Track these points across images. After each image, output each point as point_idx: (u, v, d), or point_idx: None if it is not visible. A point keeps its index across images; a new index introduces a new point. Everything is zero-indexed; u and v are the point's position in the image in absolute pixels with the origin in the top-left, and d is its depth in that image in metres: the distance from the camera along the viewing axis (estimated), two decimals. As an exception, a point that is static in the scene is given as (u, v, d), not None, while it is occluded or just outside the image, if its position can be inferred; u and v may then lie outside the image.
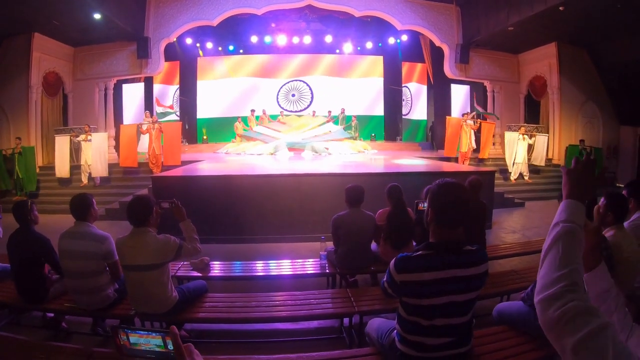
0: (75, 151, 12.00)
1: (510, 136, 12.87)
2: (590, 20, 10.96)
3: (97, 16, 10.74)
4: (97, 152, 11.54)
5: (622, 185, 3.51)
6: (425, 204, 2.07)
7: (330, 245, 4.67)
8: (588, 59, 13.81)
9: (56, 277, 3.83)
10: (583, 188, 1.37)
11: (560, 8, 10.07)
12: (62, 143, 11.58)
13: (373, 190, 5.29)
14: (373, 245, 4.71)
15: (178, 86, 17.26)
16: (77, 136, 11.76)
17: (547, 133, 13.69)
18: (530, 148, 12.99)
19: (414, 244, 4.43)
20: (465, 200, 1.97)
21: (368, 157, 13.39)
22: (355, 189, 4.44)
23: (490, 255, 5.11)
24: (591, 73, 13.83)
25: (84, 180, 11.65)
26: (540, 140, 13.04)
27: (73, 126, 12.44)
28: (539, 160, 12.96)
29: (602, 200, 2.96)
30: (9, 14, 10.25)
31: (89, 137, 11.66)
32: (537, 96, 14.85)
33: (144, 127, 12.16)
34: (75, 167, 11.86)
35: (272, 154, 13.73)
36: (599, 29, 11.87)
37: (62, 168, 11.56)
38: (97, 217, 3.65)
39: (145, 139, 12.48)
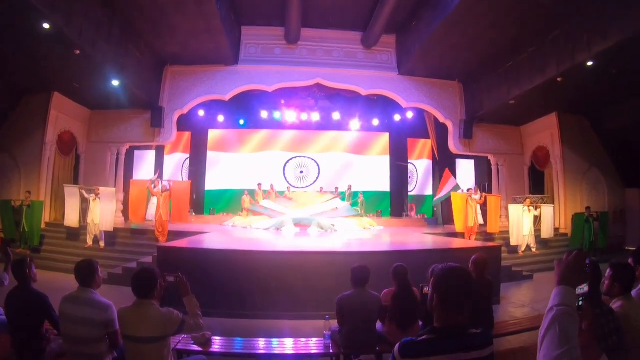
0: (83, 210, 12.04)
1: (514, 209, 12.79)
2: (588, 88, 11.38)
3: (115, 83, 11.27)
4: (104, 208, 11.58)
5: (631, 249, 3.49)
6: (429, 288, 2.09)
7: (334, 324, 4.59)
8: (589, 126, 14.18)
9: (54, 337, 3.77)
10: (573, 276, 1.56)
11: (559, 79, 10.47)
12: (71, 193, 11.74)
13: (379, 269, 5.26)
14: (378, 325, 4.61)
15: (188, 156, 17.67)
16: (88, 192, 11.85)
17: (553, 203, 13.68)
18: (537, 219, 12.88)
19: (420, 324, 4.37)
20: (469, 284, 2.00)
21: (374, 234, 13.35)
22: (361, 269, 4.43)
23: (499, 333, 5.12)
24: (593, 139, 14.13)
25: (89, 242, 11.54)
26: (546, 211, 12.97)
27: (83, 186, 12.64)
28: (547, 232, 12.83)
29: (607, 272, 2.99)
30: (33, 71, 10.86)
31: (97, 197, 11.74)
32: (541, 166, 15.04)
33: (154, 189, 12.24)
34: (82, 228, 11.83)
35: (278, 229, 13.69)
36: (597, 96, 12.29)
37: (71, 217, 11.60)
38: (100, 284, 3.64)
39: (152, 204, 12.56)
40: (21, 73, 10.94)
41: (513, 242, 12.48)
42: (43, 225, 11.75)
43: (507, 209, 13.75)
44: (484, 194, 13.62)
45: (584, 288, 1.68)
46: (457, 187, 13.96)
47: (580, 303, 1.67)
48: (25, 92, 12.20)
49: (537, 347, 1.45)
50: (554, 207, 13.45)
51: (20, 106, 12.35)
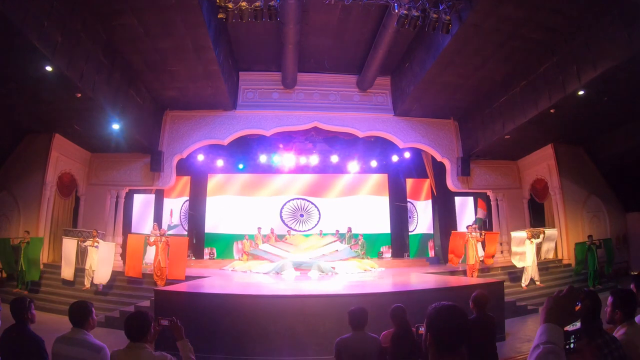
0: (81, 254, 11.95)
1: (515, 235, 12.83)
2: (581, 117, 11.52)
3: (115, 126, 11.42)
4: (102, 260, 11.48)
5: (635, 273, 3.51)
6: (424, 328, 2.06)
7: None
8: (585, 154, 14.29)
9: None
10: (562, 314, 1.55)
11: (552, 111, 10.65)
12: (69, 246, 11.62)
13: (379, 310, 5.31)
14: None
15: (187, 199, 17.71)
16: (85, 241, 11.84)
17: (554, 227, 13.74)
18: (539, 249, 12.82)
19: None
20: (464, 323, 1.95)
21: (375, 276, 13.28)
22: (358, 311, 4.41)
23: None
24: (590, 168, 14.22)
25: (87, 284, 11.45)
26: (550, 232, 13.02)
27: (82, 229, 12.69)
28: (548, 253, 12.88)
29: (609, 299, 2.98)
30: (35, 112, 11.04)
31: (95, 244, 11.70)
32: (540, 199, 15.07)
33: (152, 239, 12.20)
34: (79, 270, 11.73)
35: (278, 273, 13.58)
36: (591, 125, 12.44)
37: (67, 270, 11.46)
38: (94, 325, 3.62)
39: (151, 250, 12.50)
40: (23, 113, 11.12)
41: (517, 263, 12.51)
42: (41, 267, 11.64)
43: (508, 243, 13.71)
44: (483, 232, 13.55)
45: (576, 324, 1.62)
46: (479, 220, 13.98)
47: (573, 343, 1.61)
48: (27, 131, 12.35)
49: None
50: (556, 230, 13.50)
51: (22, 145, 12.46)
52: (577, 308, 1.56)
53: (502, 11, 8.61)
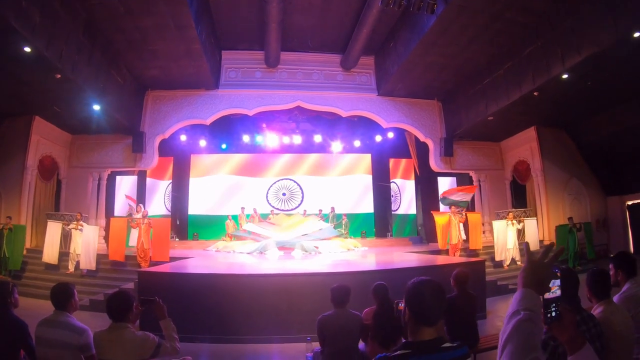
0: (64, 237, 11.80)
1: (498, 225, 12.94)
2: (564, 101, 11.64)
3: (96, 107, 11.21)
4: (86, 245, 11.41)
5: (613, 255, 3.61)
6: (403, 303, 2.11)
7: (317, 346, 4.58)
8: (567, 138, 14.50)
9: None
10: (538, 279, 1.47)
11: (535, 93, 10.72)
12: (53, 229, 11.50)
13: (361, 288, 5.34)
14: (361, 344, 4.61)
15: (170, 181, 17.55)
16: (69, 224, 11.70)
17: (535, 216, 13.88)
18: (520, 233, 13.01)
19: (403, 341, 4.36)
20: (441, 297, 2.01)
21: (358, 255, 13.38)
22: (340, 289, 4.46)
23: (487, 346, 5.19)
24: (572, 151, 14.45)
25: (71, 268, 11.37)
26: (530, 224, 13.13)
27: (65, 212, 12.51)
28: (533, 245, 12.87)
29: (586, 279, 3.06)
30: (14, 95, 10.73)
31: (79, 227, 11.60)
32: (522, 180, 15.30)
33: (134, 222, 12.13)
34: (63, 254, 11.61)
35: (262, 252, 13.62)
36: (574, 109, 12.58)
37: (50, 254, 11.36)
38: (77, 308, 3.62)
39: (134, 233, 12.42)
40: (2, 96, 10.79)
41: (498, 257, 12.61)
42: (24, 252, 11.49)
43: (490, 224, 13.91)
44: (464, 211, 13.74)
45: (556, 292, 1.61)
46: (464, 203, 14.09)
47: (554, 311, 1.55)
48: (6, 115, 12.04)
49: (497, 354, 1.36)
50: (536, 219, 13.64)
51: (1, 129, 12.17)
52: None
53: (488, -7, 8.58)
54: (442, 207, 14.98)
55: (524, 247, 1.53)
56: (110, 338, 3.16)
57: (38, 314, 3.62)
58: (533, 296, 1.41)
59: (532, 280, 1.45)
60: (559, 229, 13.03)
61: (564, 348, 1.96)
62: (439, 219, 13.64)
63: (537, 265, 1.49)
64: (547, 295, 1.50)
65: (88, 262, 11.33)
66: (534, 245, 12.87)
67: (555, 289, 1.53)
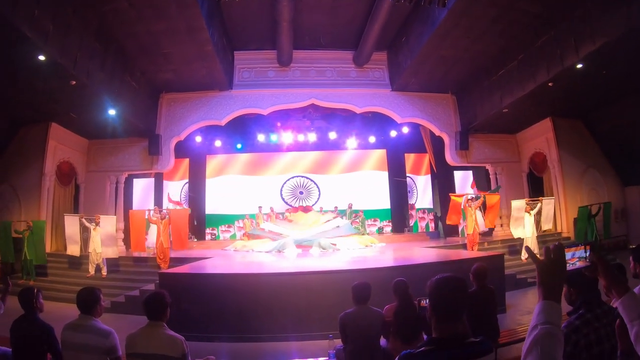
0: (84, 240, 12.01)
1: (517, 203, 12.76)
2: (579, 91, 11.47)
3: (112, 112, 11.37)
4: (106, 237, 11.58)
5: (634, 247, 3.52)
6: (427, 301, 2.14)
7: (338, 343, 4.60)
8: (583, 128, 14.27)
9: None
10: (556, 288, 1.48)
11: (550, 84, 10.57)
12: (71, 223, 11.77)
13: (381, 285, 5.30)
14: (383, 341, 4.63)
15: (187, 182, 17.75)
16: (89, 221, 11.85)
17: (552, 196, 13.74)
18: (538, 220, 12.78)
19: (425, 337, 4.37)
20: (464, 293, 2.03)
21: (376, 251, 13.33)
22: (361, 286, 4.46)
23: (508, 340, 5.18)
24: (588, 141, 14.21)
25: (91, 271, 11.48)
26: (546, 202, 12.90)
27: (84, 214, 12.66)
28: (547, 222, 12.83)
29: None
30: (31, 103, 10.96)
31: (97, 228, 11.76)
32: (539, 172, 15.10)
33: (153, 219, 12.26)
34: (84, 257, 11.80)
35: (280, 251, 13.66)
36: (589, 98, 12.39)
37: (72, 246, 11.62)
38: (102, 312, 3.67)
39: (153, 232, 12.55)
40: (19, 104, 11.04)
41: (515, 232, 12.55)
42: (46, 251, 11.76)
43: (508, 217, 13.64)
44: (482, 193, 13.59)
45: (575, 263, 1.63)
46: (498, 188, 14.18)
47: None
48: (23, 123, 12.32)
49: None
50: (553, 199, 13.43)
51: (19, 137, 12.46)
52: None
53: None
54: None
55: (525, 250, 1.54)
56: (147, 334, 3.25)
57: (62, 316, 3.73)
58: (553, 307, 1.42)
59: (548, 282, 1.47)
60: (580, 210, 12.80)
61: (586, 340, 1.95)
62: (454, 198, 13.60)
63: (545, 266, 1.51)
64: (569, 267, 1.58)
65: (111, 252, 11.54)
66: (547, 222, 12.81)
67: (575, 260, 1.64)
